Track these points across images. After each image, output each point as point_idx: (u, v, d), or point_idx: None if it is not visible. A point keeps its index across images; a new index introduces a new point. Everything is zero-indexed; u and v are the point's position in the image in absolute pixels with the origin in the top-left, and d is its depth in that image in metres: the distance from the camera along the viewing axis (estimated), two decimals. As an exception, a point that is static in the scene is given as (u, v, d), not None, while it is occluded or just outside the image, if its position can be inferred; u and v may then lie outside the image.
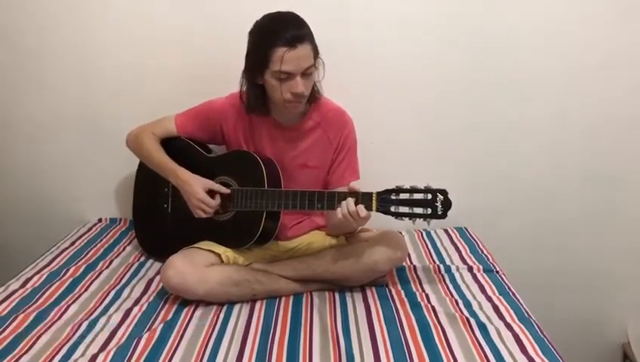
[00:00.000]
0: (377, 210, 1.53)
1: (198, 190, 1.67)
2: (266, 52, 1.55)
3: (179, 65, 2.06)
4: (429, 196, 1.51)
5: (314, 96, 1.72)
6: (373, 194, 1.53)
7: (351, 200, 1.53)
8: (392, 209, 1.52)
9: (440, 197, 1.51)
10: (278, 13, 1.61)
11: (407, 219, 1.53)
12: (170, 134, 1.82)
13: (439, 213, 1.51)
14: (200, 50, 2.04)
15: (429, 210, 1.51)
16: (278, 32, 1.54)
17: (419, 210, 1.51)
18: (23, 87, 2.14)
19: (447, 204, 1.51)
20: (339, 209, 1.54)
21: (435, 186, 1.52)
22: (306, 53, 1.56)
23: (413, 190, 1.51)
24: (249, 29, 1.62)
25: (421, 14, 2.01)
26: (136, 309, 1.58)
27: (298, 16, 1.59)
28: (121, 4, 2.04)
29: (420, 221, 1.53)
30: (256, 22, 1.61)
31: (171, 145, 1.81)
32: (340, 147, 1.78)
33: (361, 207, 1.52)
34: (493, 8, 2.00)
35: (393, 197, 1.52)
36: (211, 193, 1.69)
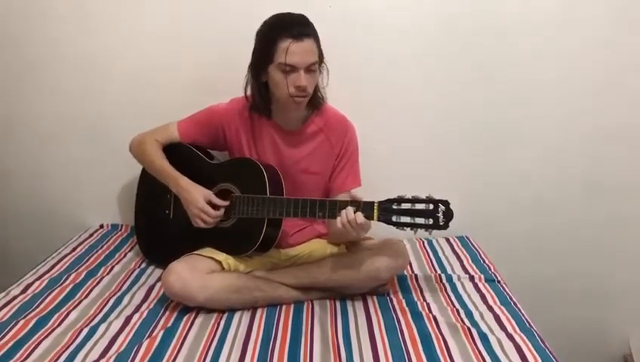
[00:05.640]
0: (379, 220, 1.53)
1: (199, 199, 1.67)
2: (272, 44, 1.58)
3: (183, 72, 2.07)
4: (431, 206, 1.50)
5: (317, 102, 1.73)
6: (375, 204, 1.53)
7: (350, 209, 1.53)
8: (394, 218, 1.51)
9: (442, 207, 1.50)
10: (287, 13, 1.64)
11: (408, 229, 1.52)
12: (172, 140, 1.82)
13: (441, 223, 1.50)
14: (203, 57, 2.05)
15: (431, 221, 1.50)
16: (284, 26, 1.58)
17: (420, 221, 1.50)
18: (27, 92, 2.15)
19: (449, 215, 1.50)
20: (339, 218, 1.54)
21: (436, 196, 1.51)
22: (311, 48, 1.59)
23: (415, 200, 1.51)
24: (257, 30, 1.65)
25: (422, 20, 2.02)
26: (136, 316, 1.58)
27: (306, 17, 1.63)
28: (128, 12, 2.05)
29: (421, 230, 1.52)
30: (265, 20, 1.64)
31: (174, 151, 1.81)
32: (342, 153, 1.79)
33: (359, 214, 1.51)
34: (494, 16, 2.01)
35: (395, 206, 1.52)
36: (212, 203, 1.69)
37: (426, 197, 1.51)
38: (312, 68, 1.61)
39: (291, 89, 1.60)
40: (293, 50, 1.56)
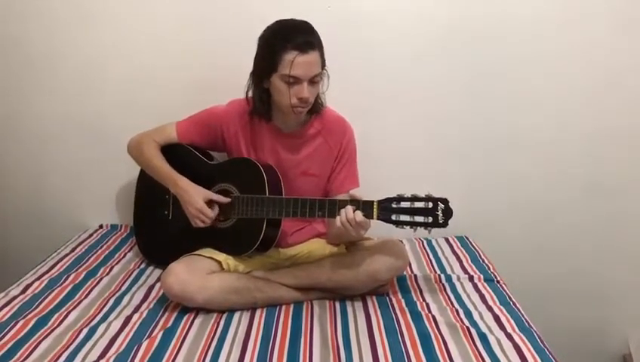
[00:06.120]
0: (378, 218, 1.53)
1: (198, 199, 1.67)
2: (277, 55, 1.56)
3: (182, 73, 2.07)
4: (430, 205, 1.50)
5: (317, 107, 1.73)
6: (374, 203, 1.53)
7: (350, 208, 1.53)
8: (393, 217, 1.52)
9: (441, 205, 1.50)
10: (291, 19, 1.63)
11: (408, 227, 1.52)
12: (171, 141, 1.82)
13: (440, 221, 1.50)
14: (203, 58, 2.05)
15: (430, 219, 1.50)
16: (290, 36, 1.56)
17: (420, 219, 1.51)
18: (27, 92, 2.15)
19: (448, 213, 1.50)
20: (338, 217, 1.54)
21: (436, 195, 1.52)
22: (315, 60, 1.58)
23: (414, 198, 1.51)
24: (259, 35, 1.63)
25: (422, 21, 2.02)
26: (136, 316, 1.58)
27: (310, 25, 1.62)
28: (127, 12, 2.05)
29: (420, 229, 1.52)
30: (268, 26, 1.63)
31: (173, 152, 1.81)
32: (341, 155, 1.79)
33: (358, 213, 1.52)
34: (494, 17, 2.01)
35: (394, 205, 1.52)
36: (211, 203, 1.69)
37: (425, 195, 1.51)
38: (316, 79, 1.61)
39: (294, 100, 1.60)
40: (298, 63, 1.55)
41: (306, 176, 1.78)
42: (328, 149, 1.77)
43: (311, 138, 1.77)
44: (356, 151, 1.82)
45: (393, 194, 1.53)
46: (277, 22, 1.62)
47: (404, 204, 1.51)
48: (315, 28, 1.62)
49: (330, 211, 1.57)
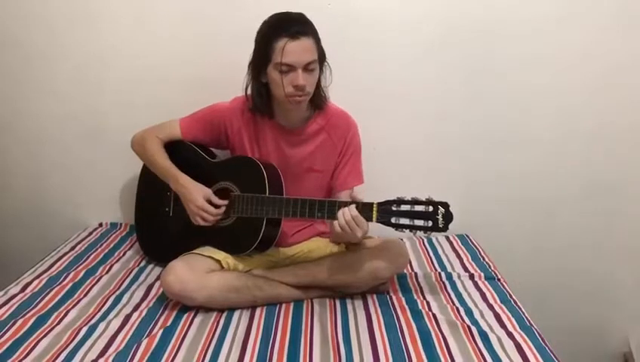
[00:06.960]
0: (377, 221, 1.51)
1: (198, 197, 1.67)
2: (269, 44, 1.57)
3: (183, 70, 2.07)
4: (430, 208, 1.48)
5: (320, 102, 1.73)
6: (374, 205, 1.52)
7: (347, 210, 1.51)
8: (393, 220, 1.50)
9: (441, 209, 1.48)
10: (286, 12, 1.63)
11: (407, 230, 1.51)
12: (174, 138, 1.82)
13: (440, 225, 1.48)
14: (203, 56, 2.05)
15: (430, 223, 1.48)
16: (282, 26, 1.57)
17: (419, 223, 1.49)
18: (26, 90, 2.15)
19: (448, 217, 1.48)
20: (336, 222, 1.53)
21: (436, 196, 1.50)
22: (307, 47, 1.58)
23: (414, 201, 1.49)
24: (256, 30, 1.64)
25: (423, 19, 2.02)
26: (135, 315, 1.58)
27: (304, 15, 1.62)
28: (127, 10, 2.04)
29: (420, 232, 1.51)
30: (264, 20, 1.64)
31: (175, 149, 1.81)
32: (344, 150, 1.78)
33: (354, 210, 1.50)
34: (494, 16, 2.01)
35: (394, 208, 1.50)
36: (212, 202, 1.69)
37: (426, 199, 1.50)
38: (310, 67, 1.60)
39: (289, 89, 1.60)
40: (289, 50, 1.55)
41: (311, 172, 1.77)
42: (332, 145, 1.77)
43: (314, 134, 1.76)
44: (360, 147, 1.82)
45: (393, 194, 1.52)
46: (272, 15, 1.63)
47: (404, 207, 1.50)
48: (315, 26, 1.62)
49: (330, 212, 1.56)
